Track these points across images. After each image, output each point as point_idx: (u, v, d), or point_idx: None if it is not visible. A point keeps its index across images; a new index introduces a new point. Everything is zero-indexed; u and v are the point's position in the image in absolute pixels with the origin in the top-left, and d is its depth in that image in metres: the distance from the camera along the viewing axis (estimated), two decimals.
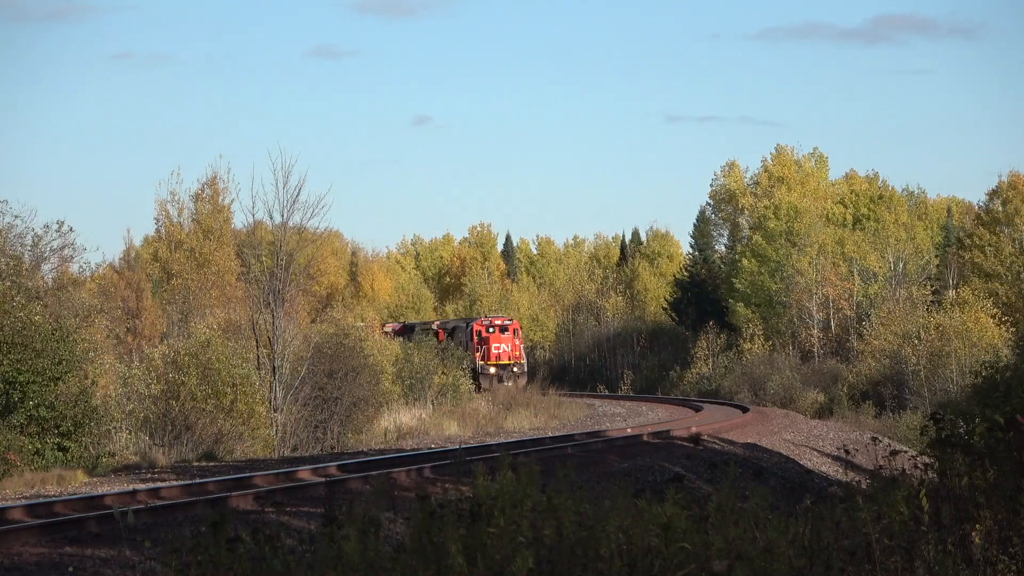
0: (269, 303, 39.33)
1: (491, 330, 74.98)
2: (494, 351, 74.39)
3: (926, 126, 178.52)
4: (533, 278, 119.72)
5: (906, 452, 14.09)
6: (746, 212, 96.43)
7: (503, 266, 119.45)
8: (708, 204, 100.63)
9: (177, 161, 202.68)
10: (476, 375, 73.30)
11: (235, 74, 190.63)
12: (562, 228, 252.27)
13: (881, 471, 12.14)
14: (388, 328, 79.79)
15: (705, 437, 33.68)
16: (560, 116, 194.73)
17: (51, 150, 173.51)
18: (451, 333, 76.33)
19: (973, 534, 10.81)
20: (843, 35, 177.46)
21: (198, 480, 23.74)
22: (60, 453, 30.61)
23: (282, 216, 39.98)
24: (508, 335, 75.21)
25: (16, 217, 45.64)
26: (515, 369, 74.73)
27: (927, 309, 72.06)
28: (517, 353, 75.74)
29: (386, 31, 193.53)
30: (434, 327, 78.23)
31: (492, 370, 73.95)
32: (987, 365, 50.91)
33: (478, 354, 74.11)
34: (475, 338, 74.48)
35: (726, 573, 9.22)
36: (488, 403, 55.17)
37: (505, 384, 72.89)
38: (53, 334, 31.64)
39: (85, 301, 43.45)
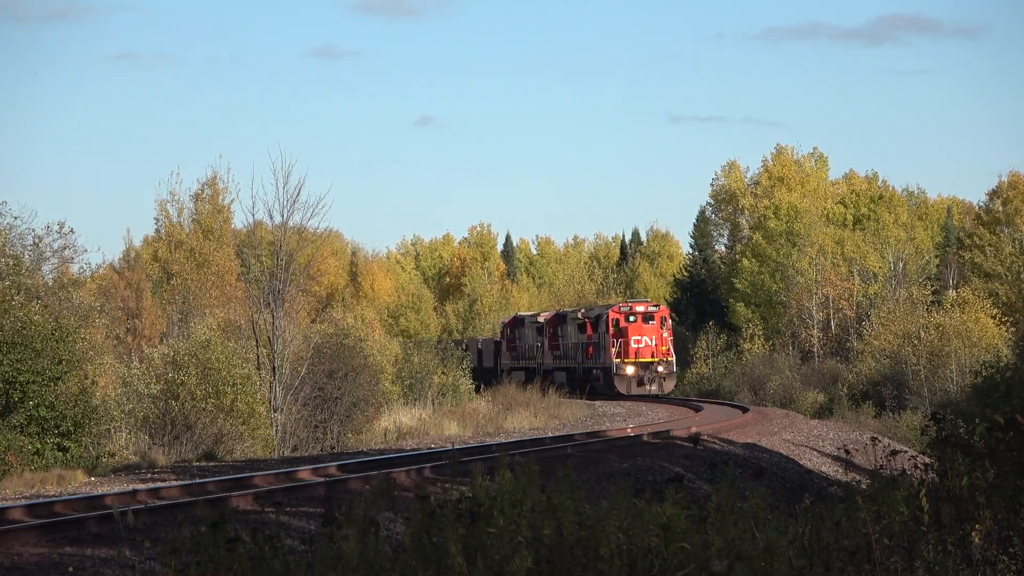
0: (269, 303, 39.33)
1: (631, 318, 61.21)
2: (633, 345, 60.68)
3: (927, 126, 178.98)
4: (533, 278, 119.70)
5: (906, 452, 14.09)
6: (746, 212, 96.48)
7: (503, 266, 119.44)
8: (708, 204, 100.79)
9: (178, 161, 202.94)
10: (609, 376, 61.49)
11: (237, 75, 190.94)
12: (562, 228, 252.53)
13: (881, 471, 12.14)
14: (541, 319, 70.46)
15: (705, 437, 33.65)
16: (563, 116, 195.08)
17: (51, 150, 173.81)
18: (595, 322, 63.71)
19: (973, 534, 10.81)
20: (846, 35, 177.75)
21: (198, 480, 23.73)
22: (60, 453, 30.60)
23: (282, 216, 40.03)
24: (653, 325, 61.41)
25: (16, 218, 45.73)
26: (660, 369, 60.90)
27: (927, 309, 72.04)
28: (665, 348, 61.52)
29: (389, 31, 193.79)
30: (579, 316, 66.23)
31: (630, 370, 60.71)
32: (987, 365, 50.98)
33: (613, 349, 60.84)
34: (611, 328, 61.08)
35: (726, 573, 9.22)
36: (488, 403, 55.08)
37: (647, 388, 60.59)
38: (53, 334, 31.64)
39: (85, 301, 43.44)
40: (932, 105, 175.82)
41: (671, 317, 65.31)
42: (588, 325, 64.41)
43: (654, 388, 60.59)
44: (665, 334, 61.71)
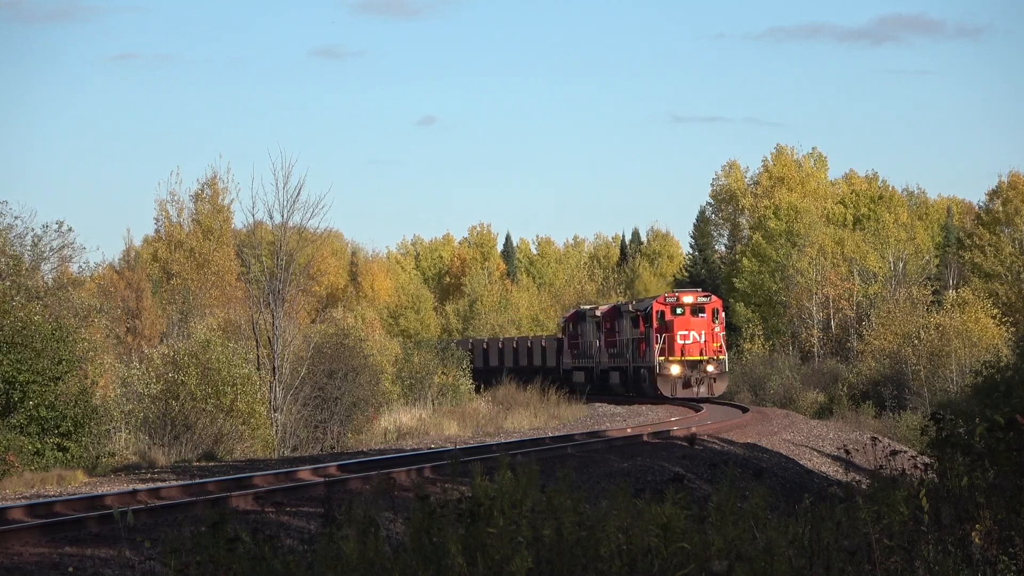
0: (269, 303, 39.33)
1: (678, 311, 54.61)
2: (679, 341, 54.13)
3: (927, 126, 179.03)
4: (533, 278, 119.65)
5: (906, 452, 14.10)
6: (746, 212, 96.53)
7: (503, 266, 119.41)
8: (708, 204, 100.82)
9: (178, 161, 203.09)
10: (652, 376, 55.40)
11: (238, 75, 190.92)
12: (562, 228, 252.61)
13: (881, 471, 12.15)
14: (599, 312, 64.74)
15: (705, 437, 33.66)
16: (564, 116, 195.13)
17: (51, 150, 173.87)
18: (645, 317, 56.68)
19: (973, 534, 10.81)
20: (848, 35, 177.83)
21: (198, 480, 23.72)
22: (60, 453, 30.59)
23: (282, 216, 40.03)
24: (703, 318, 54.74)
25: (16, 218, 45.73)
26: (710, 368, 54.34)
27: (927, 309, 72.03)
28: (716, 345, 54.84)
29: (390, 32, 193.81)
30: (631, 309, 59.55)
31: (675, 370, 54.25)
32: (987, 365, 51.01)
33: (656, 346, 54.36)
34: (655, 322, 54.56)
35: (726, 573, 9.22)
36: (488, 403, 55.05)
37: (695, 390, 54.08)
38: (53, 334, 31.64)
39: (85, 301, 43.43)
40: (932, 105, 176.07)
41: (724, 309, 58.05)
42: (640, 319, 57.07)
43: (703, 390, 54.34)
44: (717, 328, 55.01)
